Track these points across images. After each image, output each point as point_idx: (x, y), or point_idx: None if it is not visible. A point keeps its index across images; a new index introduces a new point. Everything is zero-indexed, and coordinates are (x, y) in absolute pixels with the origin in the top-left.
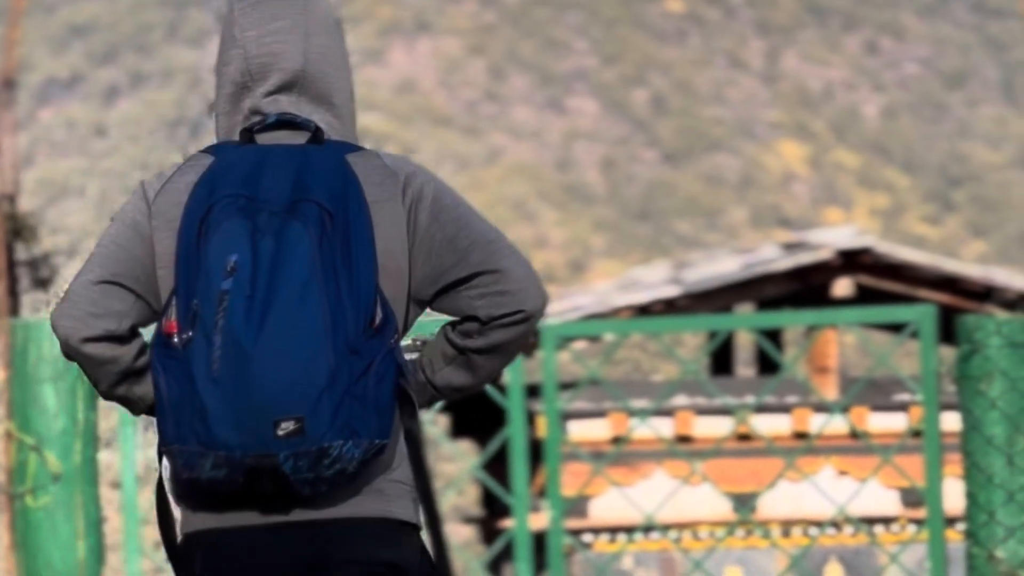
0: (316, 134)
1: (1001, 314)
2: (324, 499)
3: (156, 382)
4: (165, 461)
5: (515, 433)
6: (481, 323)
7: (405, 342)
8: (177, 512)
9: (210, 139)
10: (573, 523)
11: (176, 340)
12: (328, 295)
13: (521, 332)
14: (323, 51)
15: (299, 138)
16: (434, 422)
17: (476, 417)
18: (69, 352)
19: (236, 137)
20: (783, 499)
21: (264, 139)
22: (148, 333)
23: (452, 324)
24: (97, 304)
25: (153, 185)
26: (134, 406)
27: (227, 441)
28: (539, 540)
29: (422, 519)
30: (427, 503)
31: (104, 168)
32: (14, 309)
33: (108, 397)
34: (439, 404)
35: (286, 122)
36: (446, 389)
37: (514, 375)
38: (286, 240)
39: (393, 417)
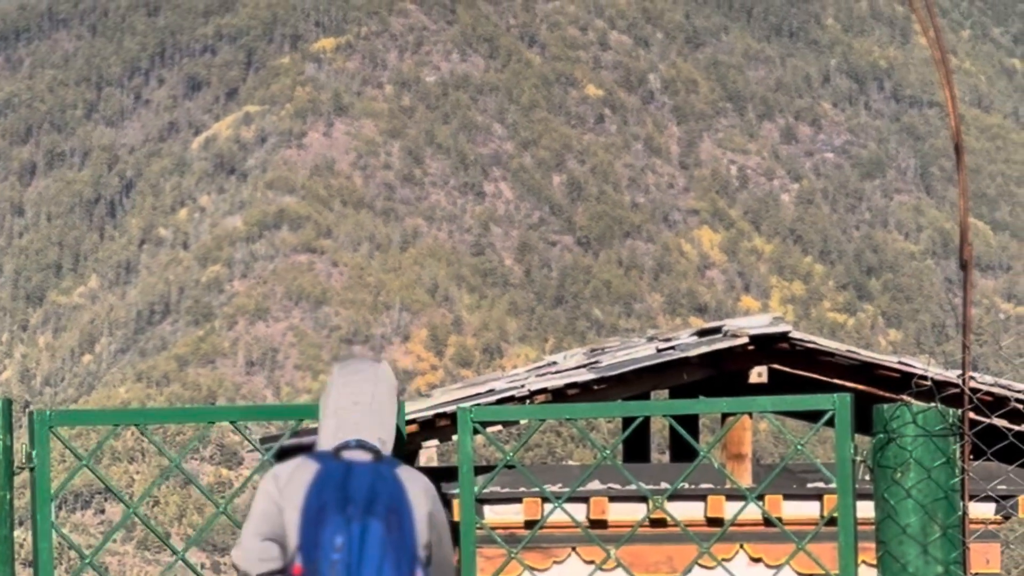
0: (378, 454)
1: (916, 403)
2: None
3: None
4: None
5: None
6: None
7: None
8: None
9: (127, 219)
10: None
11: None
12: (394, 563)
13: None
14: (383, 396)
15: (368, 454)
16: None
17: None
18: None
19: (329, 445)
20: None
21: (347, 454)
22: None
23: None
24: (262, 553)
25: (281, 478)
26: None
27: None
28: None
29: None
30: None
31: (21, 246)
32: None
33: None
34: None
35: (360, 444)
36: None
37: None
38: (368, 529)
39: None
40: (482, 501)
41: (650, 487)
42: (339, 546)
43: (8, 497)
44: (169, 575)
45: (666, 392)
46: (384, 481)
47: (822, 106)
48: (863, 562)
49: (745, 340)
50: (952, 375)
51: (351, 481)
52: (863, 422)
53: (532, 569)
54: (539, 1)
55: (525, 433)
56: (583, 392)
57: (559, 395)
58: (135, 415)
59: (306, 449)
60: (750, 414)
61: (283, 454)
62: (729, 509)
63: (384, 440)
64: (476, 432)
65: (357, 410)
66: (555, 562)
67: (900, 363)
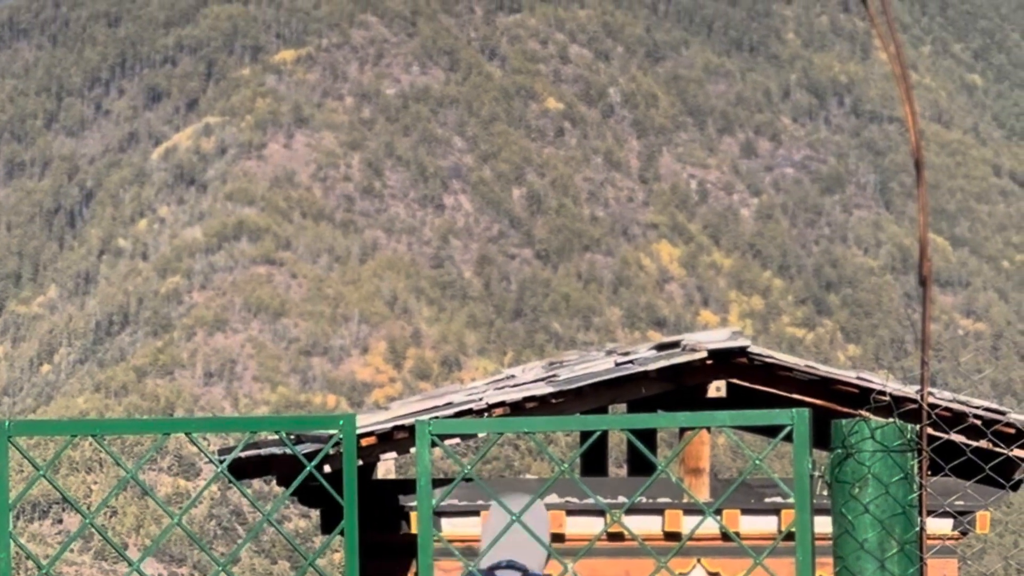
0: (526, 573)
1: (875, 419)
2: None
3: None
4: None
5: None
6: None
7: None
8: None
9: (87, 230)
10: None
11: None
12: None
13: None
14: (535, 533)
15: (517, 574)
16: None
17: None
18: None
19: (485, 565)
20: None
21: (500, 573)
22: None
23: None
24: None
25: None
26: None
27: None
28: None
29: None
30: None
31: None
32: None
33: None
34: None
35: (510, 564)
36: None
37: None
38: None
39: None
40: (440, 514)
41: (608, 501)
42: None
43: None
44: None
45: (624, 406)
46: None
47: (782, 121)
48: None
49: (704, 354)
50: (910, 390)
51: None
52: (821, 437)
53: None
54: (500, 14)
55: (483, 446)
56: (541, 405)
57: (517, 408)
58: (93, 426)
59: (265, 459)
60: (708, 428)
61: (238, 466)
62: (687, 523)
63: (531, 566)
64: (434, 445)
65: (511, 539)
66: None
67: (859, 378)
